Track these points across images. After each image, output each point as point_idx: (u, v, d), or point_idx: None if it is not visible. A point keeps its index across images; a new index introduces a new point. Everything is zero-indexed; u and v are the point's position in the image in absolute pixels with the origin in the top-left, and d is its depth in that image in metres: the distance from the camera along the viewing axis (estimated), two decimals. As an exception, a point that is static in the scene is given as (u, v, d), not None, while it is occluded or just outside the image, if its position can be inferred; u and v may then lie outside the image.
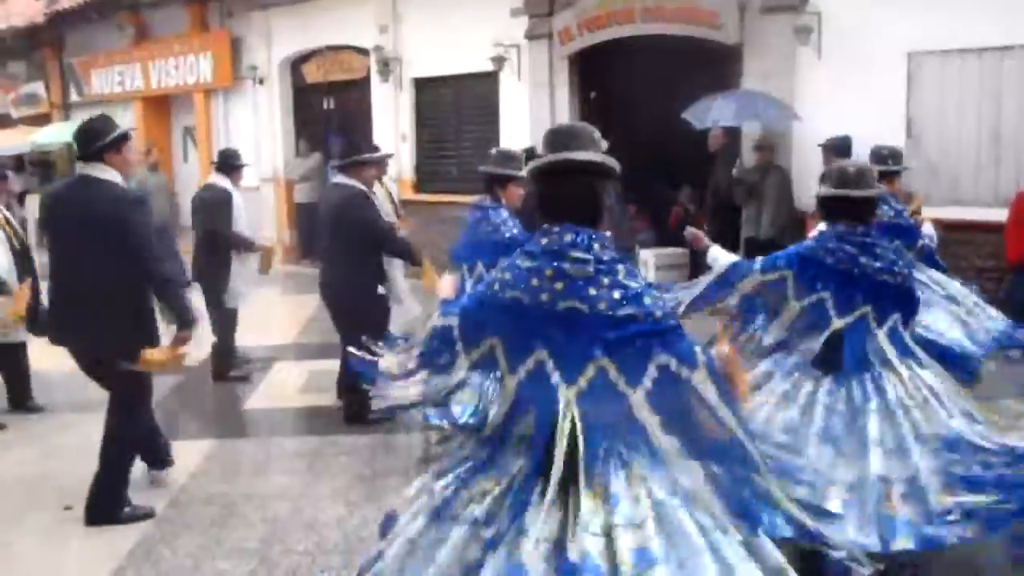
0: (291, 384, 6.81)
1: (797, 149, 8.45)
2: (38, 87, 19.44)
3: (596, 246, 2.12)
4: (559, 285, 2.08)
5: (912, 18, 7.55)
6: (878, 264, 3.24)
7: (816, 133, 7.87)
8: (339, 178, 5.71)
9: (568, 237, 2.12)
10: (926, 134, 7.77)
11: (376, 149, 5.98)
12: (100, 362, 4.19)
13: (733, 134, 8.88)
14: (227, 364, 6.91)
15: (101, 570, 3.79)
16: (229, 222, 6.59)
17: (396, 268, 5.81)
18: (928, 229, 5.07)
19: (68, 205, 4.16)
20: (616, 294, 2.07)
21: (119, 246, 3.99)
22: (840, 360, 3.26)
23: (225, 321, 6.78)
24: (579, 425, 2.05)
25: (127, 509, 4.30)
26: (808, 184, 7.69)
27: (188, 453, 5.12)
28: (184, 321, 4.19)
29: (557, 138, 2.25)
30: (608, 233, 2.22)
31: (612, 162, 2.23)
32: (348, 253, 5.47)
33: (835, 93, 7.99)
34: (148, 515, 4.31)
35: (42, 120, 18.82)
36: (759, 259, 3.46)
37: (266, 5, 13.60)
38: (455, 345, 2.26)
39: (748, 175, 8.40)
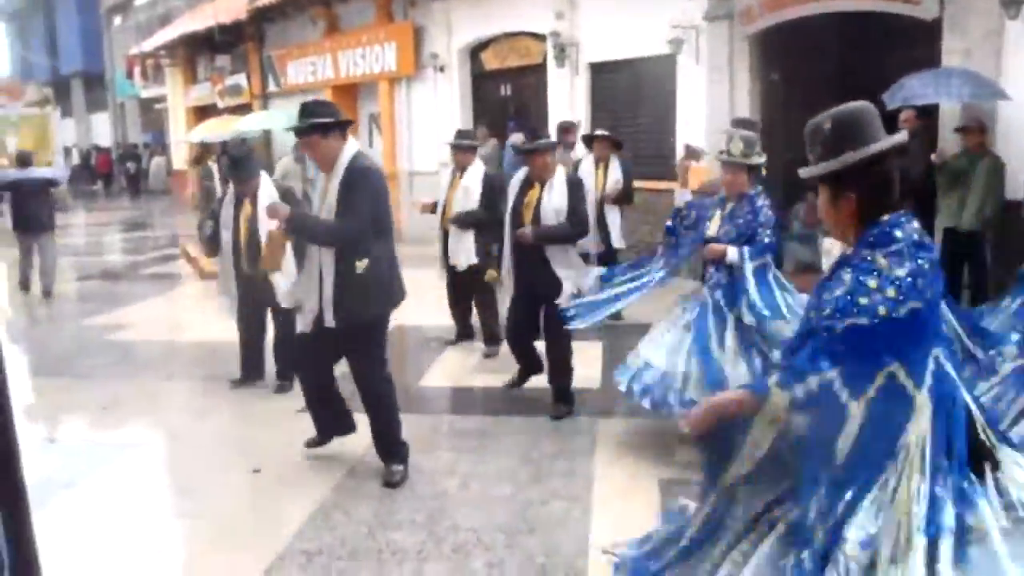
0: (465, 364, 7.00)
1: (1004, 132, 7.77)
2: (241, 78, 20.89)
3: None
4: None
5: None
6: None
7: (1026, 114, 7.22)
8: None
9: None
10: None
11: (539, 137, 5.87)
12: None
13: (929, 116, 8.28)
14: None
15: (283, 530, 4.04)
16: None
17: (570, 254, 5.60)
18: None
19: None
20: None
21: None
22: None
23: None
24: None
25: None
26: (1019, 171, 7.09)
27: (367, 426, 5.36)
28: None
29: None
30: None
31: None
32: None
33: (1049, 71, 7.29)
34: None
35: (244, 109, 20.22)
36: None
37: (447, -6, 13.97)
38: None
39: (953, 161, 7.74)
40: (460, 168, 7.11)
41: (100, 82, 34.48)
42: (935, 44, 8.09)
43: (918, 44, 8.30)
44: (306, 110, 4.41)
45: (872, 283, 2.05)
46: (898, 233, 2.14)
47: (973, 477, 2.08)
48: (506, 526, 4.05)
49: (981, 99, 7.55)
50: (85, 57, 34.64)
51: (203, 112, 23.12)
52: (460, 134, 7.50)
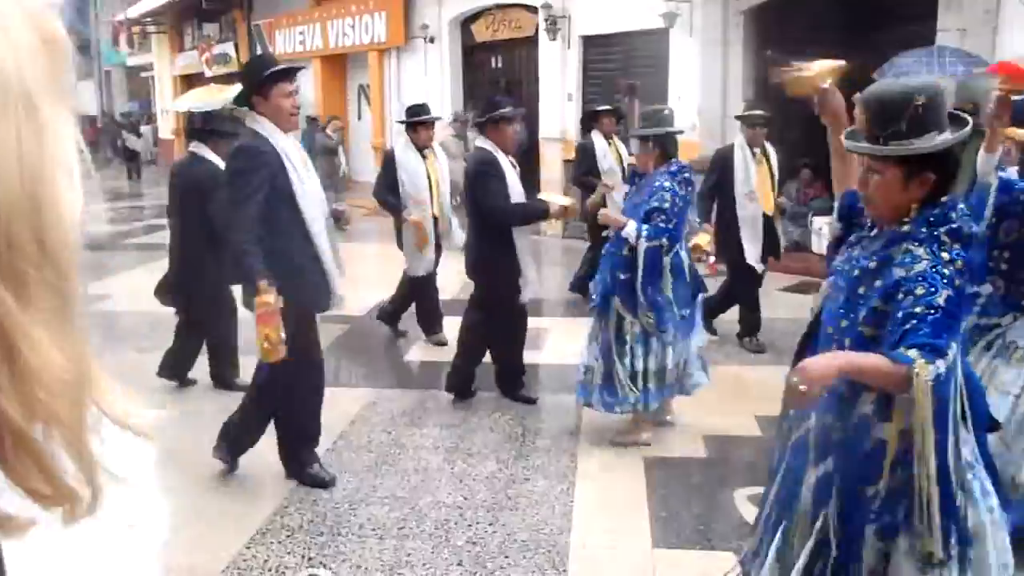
0: (450, 338, 6.91)
1: (996, 112, 7.71)
2: (229, 47, 20.62)
3: None
4: None
5: None
6: None
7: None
8: (479, 140, 5.17)
9: None
10: None
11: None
12: None
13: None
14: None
15: (264, 505, 4.00)
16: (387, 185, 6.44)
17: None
18: None
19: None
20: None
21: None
22: None
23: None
24: None
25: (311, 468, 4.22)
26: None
27: (350, 401, 5.31)
28: None
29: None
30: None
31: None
32: (478, 228, 5.10)
33: (1045, 50, 7.22)
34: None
35: (232, 79, 19.95)
36: None
37: (439, -36, 13.77)
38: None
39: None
40: (421, 147, 6.42)
41: (85, 48, 33.94)
42: (931, 22, 8.02)
43: (914, 22, 8.22)
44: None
45: (946, 255, 2.07)
46: (952, 214, 2.15)
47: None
48: (489, 503, 4.02)
49: (972, 77, 7.45)
50: (69, 22, 34.07)
51: (190, 81, 22.82)
52: (424, 109, 6.56)
